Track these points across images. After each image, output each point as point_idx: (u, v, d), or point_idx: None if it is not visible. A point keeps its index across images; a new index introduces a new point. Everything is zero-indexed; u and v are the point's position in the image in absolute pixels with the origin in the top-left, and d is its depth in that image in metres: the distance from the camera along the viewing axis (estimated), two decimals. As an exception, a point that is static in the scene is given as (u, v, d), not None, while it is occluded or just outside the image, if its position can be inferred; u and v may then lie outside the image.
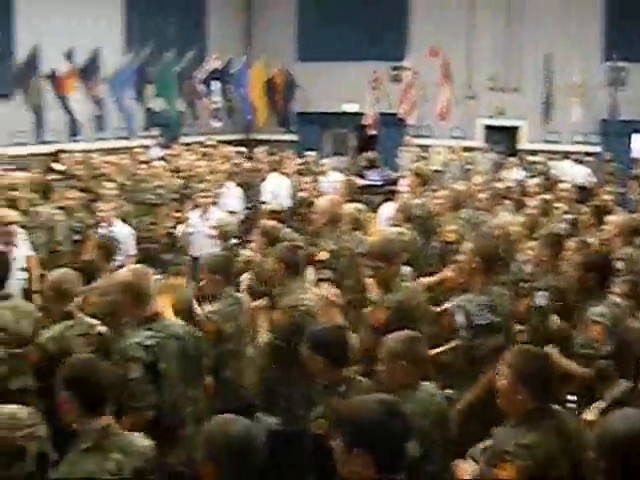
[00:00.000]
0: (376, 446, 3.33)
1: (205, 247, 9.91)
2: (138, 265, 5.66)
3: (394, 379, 4.77)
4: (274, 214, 9.90)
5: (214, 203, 11.49)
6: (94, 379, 4.06)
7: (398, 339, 4.87)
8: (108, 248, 7.61)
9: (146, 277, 5.30)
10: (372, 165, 19.66)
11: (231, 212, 11.77)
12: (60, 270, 6.15)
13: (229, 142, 19.58)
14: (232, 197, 12.96)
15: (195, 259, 10.37)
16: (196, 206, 11.56)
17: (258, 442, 3.57)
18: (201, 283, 6.98)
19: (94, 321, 5.77)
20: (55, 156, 15.32)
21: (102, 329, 5.73)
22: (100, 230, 9.82)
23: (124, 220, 10.62)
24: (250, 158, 16.61)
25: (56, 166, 14.45)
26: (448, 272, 8.14)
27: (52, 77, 16.85)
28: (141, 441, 4.10)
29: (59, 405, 4.08)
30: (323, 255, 8.31)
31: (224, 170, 14.43)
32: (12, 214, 8.91)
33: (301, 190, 13.22)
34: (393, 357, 4.78)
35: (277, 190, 13.67)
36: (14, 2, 17.53)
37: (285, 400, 6.42)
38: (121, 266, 7.22)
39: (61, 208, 10.88)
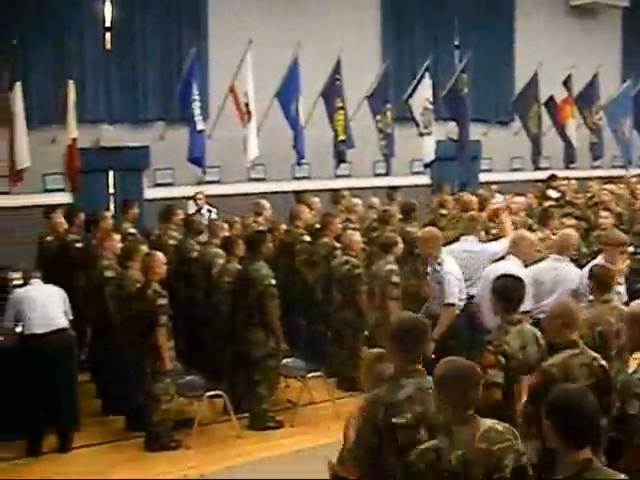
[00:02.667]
0: None
1: None
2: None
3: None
4: None
5: None
6: (575, 410, 3.86)
7: None
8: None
9: None
10: None
11: None
12: (564, 299, 6.02)
13: None
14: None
15: None
16: None
17: None
18: None
19: (595, 354, 5.56)
20: (550, 180, 15.30)
21: (603, 362, 5.50)
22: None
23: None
24: None
25: (552, 193, 14.40)
26: None
27: (550, 104, 16.87)
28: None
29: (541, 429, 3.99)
30: None
31: None
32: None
33: None
34: None
35: None
36: (514, 29, 17.95)
37: None
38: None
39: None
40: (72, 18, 12.90)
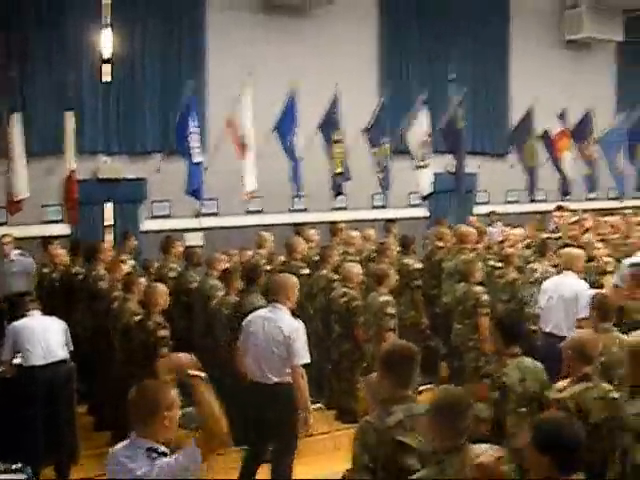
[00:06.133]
0: None
1: None
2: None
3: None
4: None
5: None
6: (565, 440, 3.93)
7: None
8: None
9: None
10: None
11: None
12: (582, 332, 6.05)
13: None
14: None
15: None
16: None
17: None
18: None
19: (610, 386, 5.59)
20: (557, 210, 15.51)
21: (616, 394, 5.53)
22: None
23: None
24: None
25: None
26: None
27: (546, 136, 16.98)
28: None
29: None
30: None
31: None
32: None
33: None
34: None
35: None
36: (509, 63, 18.10)
37: None
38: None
39: (555, 266, 10.84)
40: (71, 49, 12.97)
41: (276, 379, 7.33)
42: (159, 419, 4.26)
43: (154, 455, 4.19)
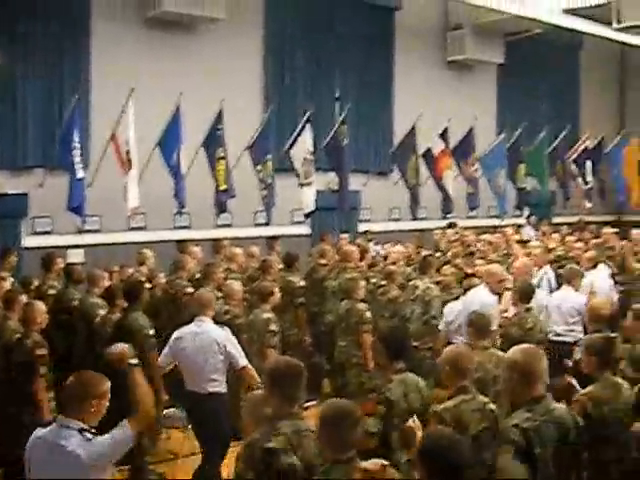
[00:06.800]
0: None
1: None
2: (530, 346, 5.47)
3: None
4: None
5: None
6: (447, 456, 4.01)
7: None
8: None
9: (538, 358, 5.14)
10: None
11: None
12: (456, 345, 6.15)
13: (600, 223, 19.01)
14: (602, 278, 12.35)
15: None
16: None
17: None
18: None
19: (486, 399, 5.71)
20: (450, 227, 15.90)
21: (493, 406, 5.65)
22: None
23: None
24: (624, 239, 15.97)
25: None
26: None
27: (428, 155, 17.28)
28: None
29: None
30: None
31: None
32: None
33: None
34: None
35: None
36: (393, 82, 18.36)
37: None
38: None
39: (437, 283, 11.04)
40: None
41: (210, 389, 7.79)
42: (87, 405, 4.74)
43: (88, 435, 4.65)
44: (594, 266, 12.06)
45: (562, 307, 10.23)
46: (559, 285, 11.24)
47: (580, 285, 10.64)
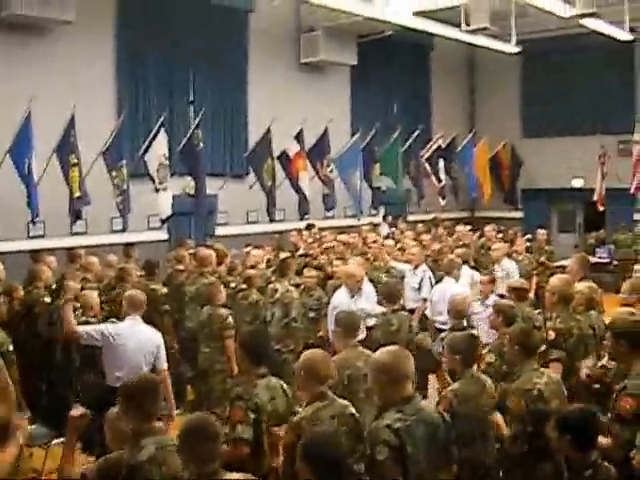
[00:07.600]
0: None
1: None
2: (397, 347, 5.52)
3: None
4: (516, 291, 9.50)
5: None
6: (328, 454, 4.02)
7: None
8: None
9: (405, 359, 5.21)
10: (602, 242, 19.46)
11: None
12: (311, 351, 6.14)
13: (454, 220, 19.50)
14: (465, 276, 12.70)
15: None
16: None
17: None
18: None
19: (346, 402, 5.72)
20: (308, 229, 16.02)
21: (352, 410, 5.68)
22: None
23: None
24: (481, 236, 16.44)
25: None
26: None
27: (283, 157, 17.32)
28: None
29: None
30: (550, 335, 7.97)
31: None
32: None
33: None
34: None
35: (509, 268, 13.41)
36: (248, 85, 18.35)
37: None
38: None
39: (297, 286, 11.09)
40: None
41: None
42: None
43: None
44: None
45: (446, 297, 10.28)
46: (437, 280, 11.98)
47: (459, 275, 11.41)
